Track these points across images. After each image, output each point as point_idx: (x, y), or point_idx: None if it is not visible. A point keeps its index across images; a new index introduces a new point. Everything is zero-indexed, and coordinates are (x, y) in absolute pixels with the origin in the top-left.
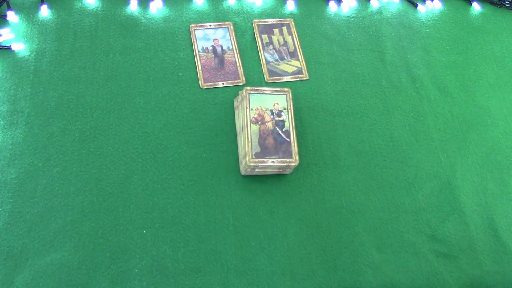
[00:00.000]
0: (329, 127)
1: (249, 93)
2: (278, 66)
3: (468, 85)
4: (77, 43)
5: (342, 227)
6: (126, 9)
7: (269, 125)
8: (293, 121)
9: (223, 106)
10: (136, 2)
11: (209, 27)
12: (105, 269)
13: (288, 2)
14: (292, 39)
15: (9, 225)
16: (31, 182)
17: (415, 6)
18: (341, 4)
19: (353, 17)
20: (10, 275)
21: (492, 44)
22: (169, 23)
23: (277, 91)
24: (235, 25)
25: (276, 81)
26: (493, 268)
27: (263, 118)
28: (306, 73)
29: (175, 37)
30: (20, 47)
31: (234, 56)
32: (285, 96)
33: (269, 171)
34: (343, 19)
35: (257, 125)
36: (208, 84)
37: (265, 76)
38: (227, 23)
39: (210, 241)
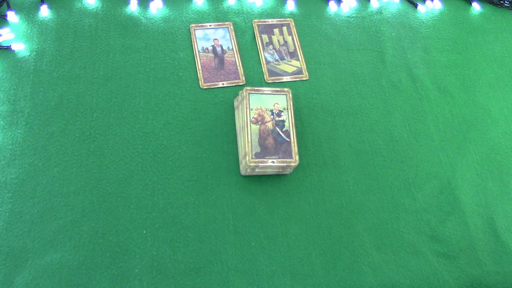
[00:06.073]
0: (329, 127)
1: (249, 93)
2: (278, 66)
3: (468, 85)
4: (77, 43)
5: (342, 227)
6: (126, 9)
7: (269, 125)
8: (293, 121)
9: (223, 106)
10: (136, 2)
11: (209, 27)
12: (105, 269)
13: (288, 2)
14: (292, 39)
15: (9, 225)
16: (31, 182)
17: (415, 6)
18: (341, 4)
19: (353, 17)
20: (10, 275)
21: (492, 44)
22: (169, 23)
23: (277, 91)
24: (235, 25)
25: (276, 81)
26: (493, 268)
27: (263, 118)
28: (306, 73)
29: (175, 37)
30: (20, 47)
31: (234, 56)
32: (285, 96)
33: (269, 171)
34: (343, 19)
35: (257, 125)
36: (208, 84)
37: (265, 76)
38: (227, 23)
39: (210, 241)
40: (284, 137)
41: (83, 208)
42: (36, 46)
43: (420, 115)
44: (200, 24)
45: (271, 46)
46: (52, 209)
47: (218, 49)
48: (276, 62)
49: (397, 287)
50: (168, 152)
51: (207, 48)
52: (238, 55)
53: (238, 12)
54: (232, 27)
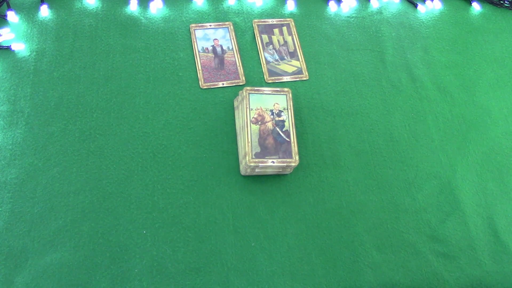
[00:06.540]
0: (329, 127)
1: (249, 93)
2: (278, 66)
3: (468, 85)
4: (77, 43)
5: (342, 227)
6: (126, 9)
7: (269, 125)
8: (293, 121)
9: (223, 106)
10: (136, 2)
11: (209, 27)
12: (105, 269)
13: (288, 2)
14: (292, 39)
15: (9, 225)
16: (31, 182)
17: (415, 6)
18: (341, 4)
19: (353, 17)
20: (10, 275)
21: (492, 44)
22: (169, 23)
23: (277, 91)
24: (235, 25)
25: (276, 81)
26: (493, 268)
27: (263, 118)
28: (306, 73)
29: (175, 37)
30: (20, 47)
31: (234, 56)
32: (285, 96)
33: (269, 171)
34: (343, 19)
35: (257, 125)
36: (208, 84)
37: (265, 76)
38: (227, 23)
39: (210, 241)
40: (284, 137)
41: (83, 208)
42: (36, 46)
43: (420, 115)
44: (200, 24)
45: (271, 46)
46: (52, 209)
47: (218, 49)
48: (276, 62)
49: (397, 287)
50: (168, 152)
51: (207, 48)
52: (238, 55)
53: (238, 12)
54: (232, 27)
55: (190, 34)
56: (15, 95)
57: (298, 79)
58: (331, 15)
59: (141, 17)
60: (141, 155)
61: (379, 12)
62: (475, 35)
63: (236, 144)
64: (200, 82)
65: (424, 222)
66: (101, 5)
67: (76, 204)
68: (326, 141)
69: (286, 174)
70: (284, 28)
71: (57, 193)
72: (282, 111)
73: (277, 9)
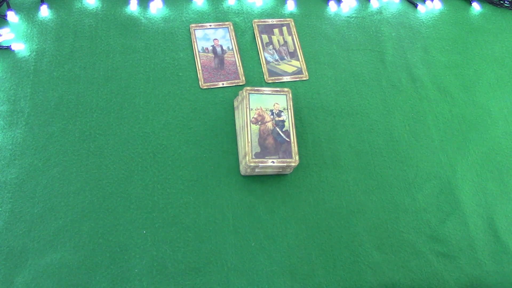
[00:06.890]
0: (329, 127)
1: (249, 93)
2: (278, 66)
3: (468, 85)
4: (77, 43)
5: (342, 227)
6: (126, 9)
7: (269, 125)
8: (293, 121)
9: (223, 106)
10: (136, 2)
11: (209, 27)
12: (105, 269)
13: (288, 2)
14: (292, 39)
15: (9, 225)
16: (31, 182)
17: (415, 6)
18: (341, 4)
19: (353, 17)
20: (10, 275)
21: (492, 44)
22: (169, 23)
23: (277, 91)
24: (235, 25)
25: (276, 81)
26: (493, 268)
27: (263, 118)
28: (306, 73)
29: (175, 37)
30: (20, 47)
31: (234, 56)
32: (285, 96)
33: (269, 171)
34: (343, 19)
35: (257, 125)
36: (208, 84)
37: (265, 76)
38: (227, 23)
39: (210, 241)
40: (284, 137)
41: (83, 208)
42: (36, 46)
43: (420, 115)
44: (200, 24)
45: (271, 46)
46: (52, 209)
47: (218, 49)
48: (276, 62)
49: (397, 287)
50: (168, 152)
51: (207, 48)
52: (238, 55)
53: (238, 12)
54: (232, 27)
55: (190, 34)
56: (15, 95)
57: (298, 79)
58: (331, 15)
59: (141, 17)
60: (141, 155)
61: (379, 12)
62: (475, 35)
63: (236, 144)
64: (200, 82)
65: (424, 222)
66: (101, 5)
67: (76, 204)
68: (326, 141)
69: (286, 174)
70: (284, 28)
71: (57, 193)
72: (282, 111)
73: (277, 9)
